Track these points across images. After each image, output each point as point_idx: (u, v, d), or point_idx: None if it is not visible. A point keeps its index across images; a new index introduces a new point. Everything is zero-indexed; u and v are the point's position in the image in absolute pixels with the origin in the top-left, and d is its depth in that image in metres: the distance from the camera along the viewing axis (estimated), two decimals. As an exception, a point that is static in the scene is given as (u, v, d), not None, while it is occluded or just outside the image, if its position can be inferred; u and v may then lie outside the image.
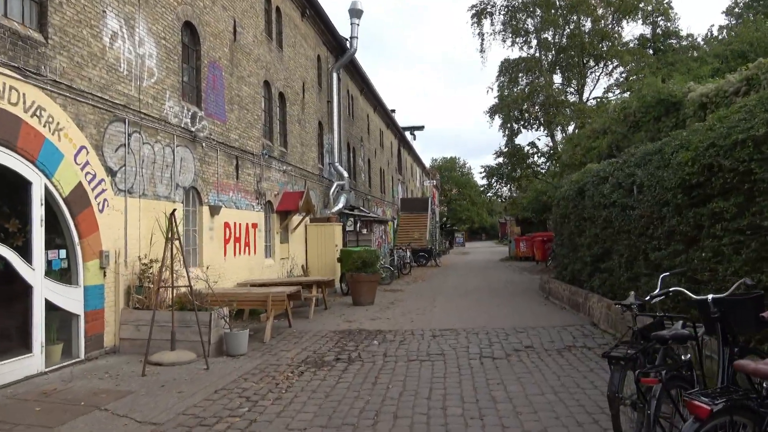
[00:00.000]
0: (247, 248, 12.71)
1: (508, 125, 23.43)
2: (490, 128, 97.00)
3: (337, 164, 20.36)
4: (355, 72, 24.70)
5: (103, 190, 7.88)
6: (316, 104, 18.98)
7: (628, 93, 15.18)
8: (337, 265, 16.21)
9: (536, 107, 21.80)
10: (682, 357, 3.77)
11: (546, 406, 5.26)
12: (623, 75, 22.44)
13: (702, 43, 22.22)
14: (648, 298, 4.47)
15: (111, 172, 8.09)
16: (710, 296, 3.82)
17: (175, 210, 7.62)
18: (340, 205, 19.26)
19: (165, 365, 7.16)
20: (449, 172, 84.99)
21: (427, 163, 64.23)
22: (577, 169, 14.49)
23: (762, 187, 5.16)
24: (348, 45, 20.94)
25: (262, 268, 13.54)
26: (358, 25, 20.76)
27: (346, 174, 20.39)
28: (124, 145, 8.41)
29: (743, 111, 5.76)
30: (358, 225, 19.35)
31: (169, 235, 7.41)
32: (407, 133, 42.85)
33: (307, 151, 17.62)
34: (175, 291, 8.06)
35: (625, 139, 13.47)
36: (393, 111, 39.75)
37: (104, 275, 7.81)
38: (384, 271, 18.91)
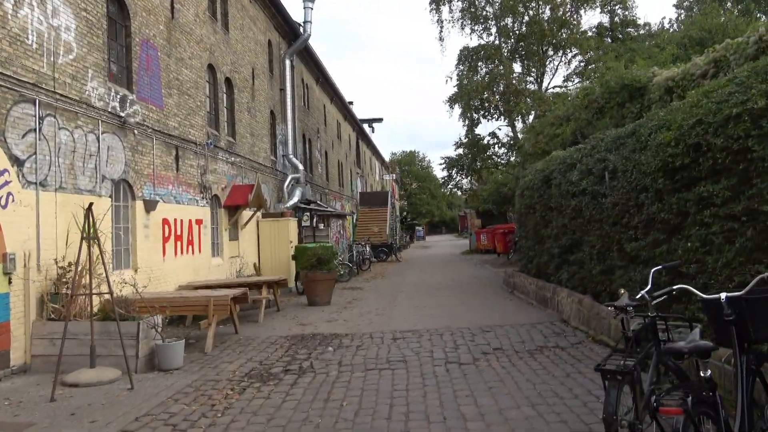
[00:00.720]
0: (190, 247, 11.62)
1: (468, 115, 22.88)
2: (450, 118, 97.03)
3: (291, 156, 19.33)
4: (309, 60, 23.64)
5: (6, 182, 6.73)
6: (268, 92, 17.90)
7: (588, 81, 14.74)
8: (291, 263, 15.24)
9: (496, 96, 21.31)
10: (701, 373, 3.08)
11: (524, 424, 4.55)
12: (582, 64, 22.24)
13: (658, 32, 22.24)
14: (645, 297, 3.75)
15: (17, 162, 6.94)
16: (724, 294, 3.16)
17: (92, 204, 6.56)
18: (295, 199, 18.26)
19: (81, 386, 6.13)
20: (409, 166, 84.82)
21: (387, 157, 63.52)
22: (540, 158, 13.98)
23: (761, 166, 4.57)
24: (301, 30, 19.89)
25: (209, 268, 12.47)
26: (311, 8, 19.73)
27: (301, 166, 19.40)
28: (35, 130, 7.25)
29: (733, 84, 5.17)
30: (315, 220, 18.43)
31: (87, 233, 6.36)
32: (366, 126, 41.98)
33: (258, 142, 16.55)
34: (100, 298, 7.02)
35: (589, 126, 13.00)
36: (351, 103, 38.78)
37: (9, 282, 6.68)
38: (342, 268, 18.06)
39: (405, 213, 74.05)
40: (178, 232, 11.12)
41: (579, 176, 8.84)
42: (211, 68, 13.35)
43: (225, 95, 14.33)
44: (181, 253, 11.22)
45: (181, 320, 10.24)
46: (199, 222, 12.07)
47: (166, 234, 10.64)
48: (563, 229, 9.72)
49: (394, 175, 59.18)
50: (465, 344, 7.67)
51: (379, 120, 42.03)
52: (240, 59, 15.26)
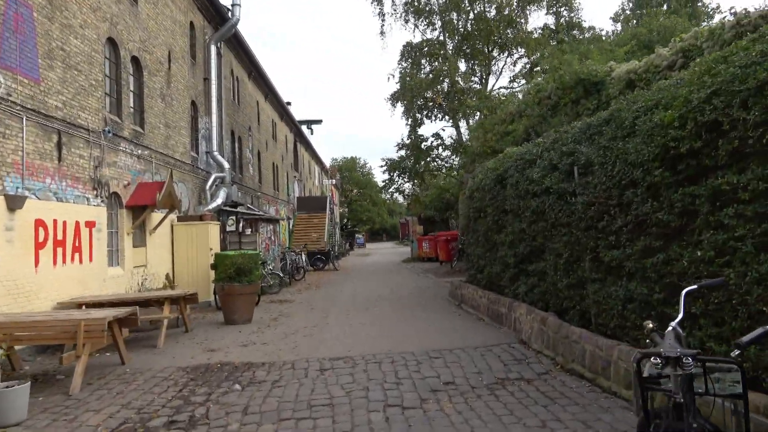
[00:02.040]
0: (77, 255, 9.54)
1: (411, 114, 21.59)
2: (392, 117, 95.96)
3: (216, 153, 17.33)
4: (240, 50, 21.68)
5: None
6: (189, 80, 15.89)
7: (539, 79, 13.74)
8: (211, 273, 13.29)
9: (440, 95, 20.13)
10: None
11: None
12: (527, 66, 21.52)
13: (600, 37, 21.90)
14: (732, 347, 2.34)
15: None
16: None
17: None
18: (219, 201, 16.28)
19: None
20: (350, 172, 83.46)
21: (328, 162, 61.69)
22: (490, 157, 12.78)
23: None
24: (229, 15, 17.98)
25: (104, 281, 10.40)
26: (240, -10, 17.86)
27: (227, 165, 17.42)
28: None
29: (764, 42, 3.94)
30: (242, 224, 16.52)
31: None
32: (304, 128, 40.13)
33: (174, 135, 14.51)
34: None
35: (542, 123, 11.94)
36: (288, 104, 36.92)
37: None
38: (271, 278, 16.25)
39: (345, 220, 72.55)
40: (59, 237, 9.03)
41: (541, 173, 7.57)
42: (112, 43, 11.31)
43: (132, 77, 12.28)
44: (63, 262, 9.14)
45: (60, 348, 8.19)
46: (90, 224, 10.00)
47: (41, 239, 8.55)
48: (521, 235, 8.43)
49: (334, 180, 57.47)
50: (409, 376, 6.16)
51: (319, 122, 40.31)
52: (152, 38, 13.24)
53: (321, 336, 8.92)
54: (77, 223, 9.59)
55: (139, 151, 12.25)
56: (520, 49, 20.82)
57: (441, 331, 8.86)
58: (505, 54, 21.55)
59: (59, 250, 9.04)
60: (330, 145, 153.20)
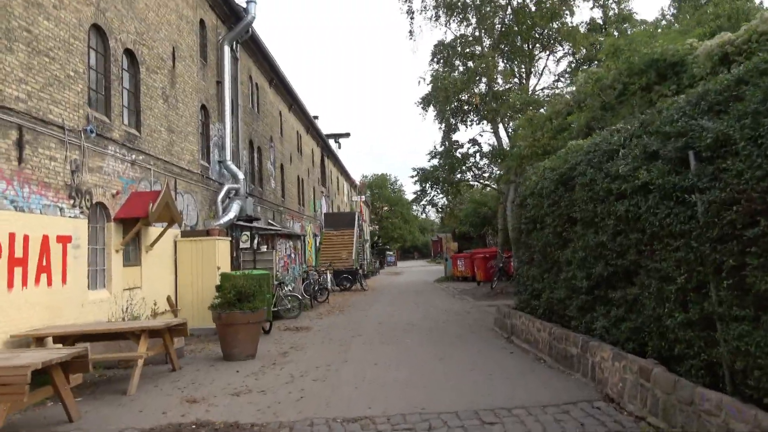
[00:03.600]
0: (44, 275, 7.88)
1: (444, 118, 19.61)
2: (423, 121, 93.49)
3: (230, 163, 15.74)
4: (260, 55, 20.25)
5: None
6: (199, 82, 14.38)
7: (584, 73, 11.67)
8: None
9: (476, 96, 18.14)
10: None
11: None
12: (572, 65, 19.41)
13: (657, 23, 19.65)
14: None
15: None
16: None
17: None
18: (231, 215, 14.62)
19: None
20: (380, 189, 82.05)
21: (357, 178, 60.17)
22: (540, 159, 10.71)
23: None
24: (244, 13, 16.52)
25: (82, 306, 8.71)
26: (256, -15, 16.41)
27: (241, 176, 15.80)
28: None
29: None
30: (257, 240, 14.81)
31: None
32: (332, 141, 38.65)
33: (179, 140, 12.94)
34: None
35: (607, 116, 9.85)
36: (315, 117, 35.56)
37: None
38: (289, 301, 14.43)
39: (376, 237, 70.85)
40: (19, 254, 7.38)
41: (631, 165, 5.53)
42: (99, 31, 9.80)
43: (125, 72, 10.75)
44: (24, 284, 7.47)
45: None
46: (64, 239, 8.34)
47: (-8, 256, 6.91)
48: (598, 251, 6.37)
49: (363, 196, 55.83)
50: (454, 461, 4.14)
51: (346, 135, 38.79)
52: (152, 31, 11.74)
53: (336, 380, 6.96)
54: (45, 237, 7.94)
55: (134, 156, 10.65)
56: (564, 46, 18.77)
57: (491, 377, 6.79)
58: (548, 52, 19.50)
59: (18, 270, 7.37)
60: (358, 160, 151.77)
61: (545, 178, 8.26)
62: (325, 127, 38.90)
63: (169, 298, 11.85)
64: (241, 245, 14.79)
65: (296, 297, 14.71)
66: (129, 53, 10.83)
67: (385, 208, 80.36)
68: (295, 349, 9.42)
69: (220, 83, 15.87)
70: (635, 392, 5.11)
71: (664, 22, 20.97)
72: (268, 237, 15.07)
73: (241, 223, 15.13)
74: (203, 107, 14.80)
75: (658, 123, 5.36)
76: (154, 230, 11.06)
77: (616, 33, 18.33)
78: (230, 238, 13.72)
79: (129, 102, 10.88)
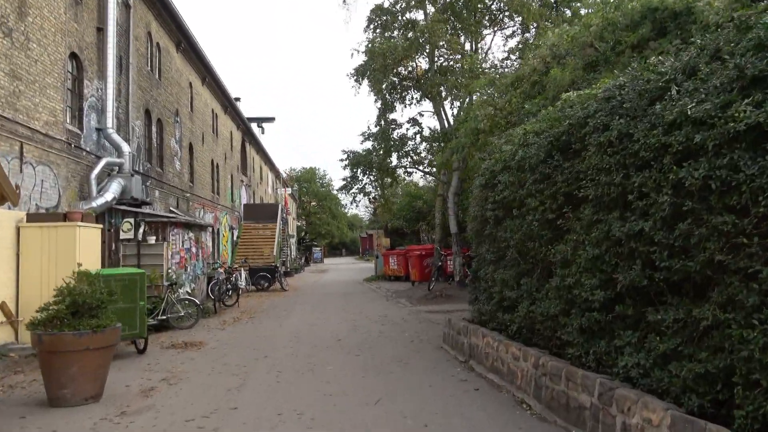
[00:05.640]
0: None
1: (380, 94, 17.06)
2: (356, 96, 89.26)
3: (111, 132, 12.47)
4: (163, 9, 16.91)
5: None
6: (66, 22, 11.05)
7: (557, 31, 9.59)
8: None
9: (419, 68, 15.79)
10: None
11: None
12: (519, 44, 17.49)
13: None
14: None
15: None
16: None
17: None
18: (108, 197, 11.44)
19: None
20: (309, 183, 79.01)
21: (285, 170, 56.62)
22: (503, 134, 8.41)
23: None
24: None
25: None
26: None
27: (127, 148, 12.57)
28: None
29: None
30: (143, 229, 11.69)
31: None
32: (255, 126, 35.24)
33: (30, 93, 9.64)
34: None
35: (584, 82, 7.70)
36: (237, 99, 32.11)
37: None
38: (184, 307, 11.43)
39: (304, 233, 67.73)
40: None
41: (718, 100, 3.24)
42: None
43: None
44: None
45: None
46: None
47: None
48: (629, 246, 4.08)
49: (290, 189, 52.54)
50: None
51: (271, 119, 35.50)
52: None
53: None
54: None
55: (-60, 102, 7.38)
56: (514, 20, 16.83)
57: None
58: (495, 28, 17.51)
59: None
60: (286, 154, 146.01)
61: (527, 145, 5.93)
62: (249, 112, 35.35)
63: (3, 305, 8.62)
64: (122, 235, 11.61)
65: (193, 302, 11.71)
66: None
67: (313, 203, 77.32)
68: (168, 381, 6.57)
69: (101, 30, 12.55)
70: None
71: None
72: (158, 226, 11.97)
73: (124, 207, 11.94)
74: (74, 56, 11.48)
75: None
76: (-25, 210, 7.84)
77: (567, 11, 16.53)
78: (102, 226, 10.54)
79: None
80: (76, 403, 5.56)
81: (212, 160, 24.44)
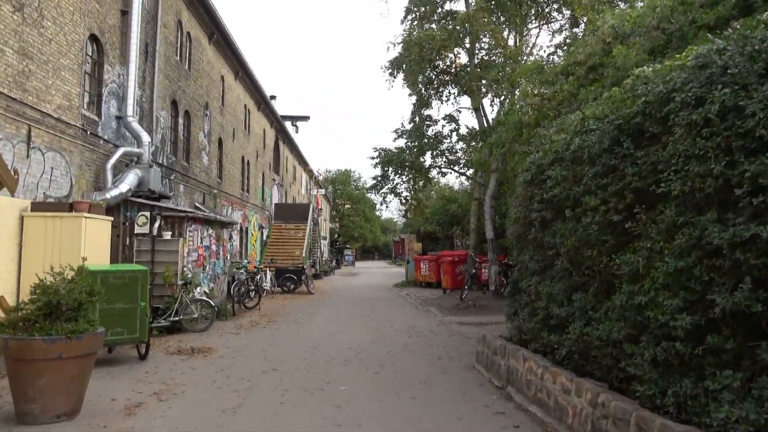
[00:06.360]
0: None
1: (415, 87, 16.07)
2: (390, 89, 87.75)
3: (132, 120, 11.91)
4: (197, 1, 16.43)
5: None
6: (86, 1, 10.50)
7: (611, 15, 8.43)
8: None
9: (457, 61, 14.76)
10: None
11: None
12: (568, 40, 16.27)
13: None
14: None
15: None
16: None
17: None
18: (124, 188, 10.85)
19: None
20: (343, 185, 78.62)
21: (316, 170, 56.20)
22: (548, 127, 7.33)
23: None
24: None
25: None
26: None
27: (147, 138, 11.99)
28: None
29: None
30: (158, 224, 11.06)
31: None
32: (289, 124, 34.77)
33: (42, 74, 9.09)
34: None
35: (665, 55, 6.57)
36: (273, 98, 31.72)
37: None
38: (198, 309, 10.73)
39: (337, 235, 67.32)
40: None
41: None
42: None
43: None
44: None
45: None
46: None
47: None
48: (732, 256, 3.02)
49: (324, 190, 52.06)
50: None
51: (305, 118, 35.00)
52: None
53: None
54: None
55: (-66, 77, 6.81)
56: (564, 13, 15.65)
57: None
58: (542, 22, 16.35)
59: None
60: (323, 154, 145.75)
61: (586, 132, 4.90)
62: (283, 110, 34.96)
63: (2, 300, 8.02)
64: (137, 229, 10.99)
65: (208, 303, 10.99)
66: None
67: (347, 205, 76.85)
68: (159, 396, 5.77)
69: (125, 13, 12.02)
70: None
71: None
72: (174, 221, 11.32)
73: (140, 200, 11.33)
74: (94, 38, 10.94)
75: None
76: (-29, 195, 7.25)
77: (622, 3, 15.24)
78: (112, 218, 9.92)
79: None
80: (44, 420, 4.79)
81: (243, 157, 23.94)
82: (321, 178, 58.16)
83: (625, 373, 4.22)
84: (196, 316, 10.64)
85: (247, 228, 24.33)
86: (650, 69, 4.56)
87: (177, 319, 10.35)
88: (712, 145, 3.23)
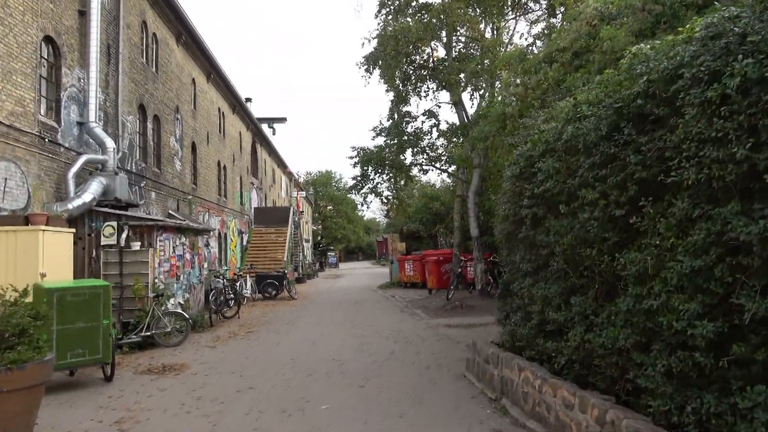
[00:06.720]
0: None
1: (392, 82, 15.58)
2: (366, 86, 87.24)
3: (94, 126, 11.25)
4: (161, 1, 15.76)
5: None
6: (38, 1, 9.85)
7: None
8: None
9: (434, 55, 14.33)
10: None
11: None
12: (546, 30, 15.94)
13: None
14: None
15: None
16: None
17: None
18: (87, 198, 10.20)
19: None
20: (324, 187, 77.91)
21: (296, 172, 55.40)
22: (540, 111, 6.90)
23: None
24: None
25: None
26: None
27: (111, 145, 11.33)
28: None
29: None
30: (126, 234, 10.43)
31: None
32: (265, 127, 34.08)
33: (-10, 78, 8.43)
34: None
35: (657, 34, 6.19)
36: (248, 100, 31.04)
37: None
38: (171, 322, 10.14)
39: (320, 237, 66.61)
40: None
41: None
42: None
43: None
44: None
45: None
46: None
47: None
48: (764, 254, 2.59)
49: (305, 192, 51.34)
50: None
51: (282, 120, 34.34)
52: None
53: None
54: None
55: None
56: (539, 5, 15.30)
57: None
58: (518, 12, 15.98)
59: None
60: (300, 152, 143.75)
61: (579, 119, 4.47)
62: (260, 113, 34.21)
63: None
64: (104, 240, 10.35)
65: (182, 315, 10.40)
66: None
67: (329, 207, 76.17)
68: (120, 426, 5.21)
69: (83, 14, 11.35)
70: None
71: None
72: (143, 230, 10.69)
73: (107, 209, 10.69)
74: (49, 40, 10.28)
75: None
76: None
77: None
78: (74, 230, 9.28)
79: None
80: (-17, 463, 4.23)
81: (219, 162, 23.27)
82: (302, 180, 57.44)
83: (633, 384, 3.81)
84: (169, 329, 10.05)
85: (225, 234, 23.65)
86: (648, 46, 4.14)
87: (149, 333, 9.75)
88: (732, 126, 2.81)
